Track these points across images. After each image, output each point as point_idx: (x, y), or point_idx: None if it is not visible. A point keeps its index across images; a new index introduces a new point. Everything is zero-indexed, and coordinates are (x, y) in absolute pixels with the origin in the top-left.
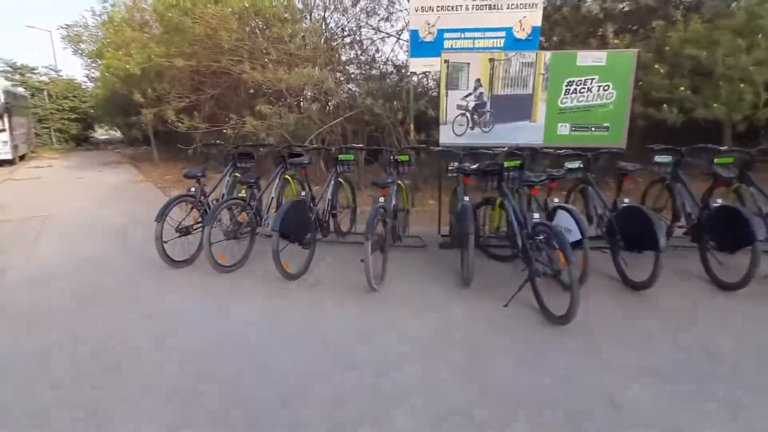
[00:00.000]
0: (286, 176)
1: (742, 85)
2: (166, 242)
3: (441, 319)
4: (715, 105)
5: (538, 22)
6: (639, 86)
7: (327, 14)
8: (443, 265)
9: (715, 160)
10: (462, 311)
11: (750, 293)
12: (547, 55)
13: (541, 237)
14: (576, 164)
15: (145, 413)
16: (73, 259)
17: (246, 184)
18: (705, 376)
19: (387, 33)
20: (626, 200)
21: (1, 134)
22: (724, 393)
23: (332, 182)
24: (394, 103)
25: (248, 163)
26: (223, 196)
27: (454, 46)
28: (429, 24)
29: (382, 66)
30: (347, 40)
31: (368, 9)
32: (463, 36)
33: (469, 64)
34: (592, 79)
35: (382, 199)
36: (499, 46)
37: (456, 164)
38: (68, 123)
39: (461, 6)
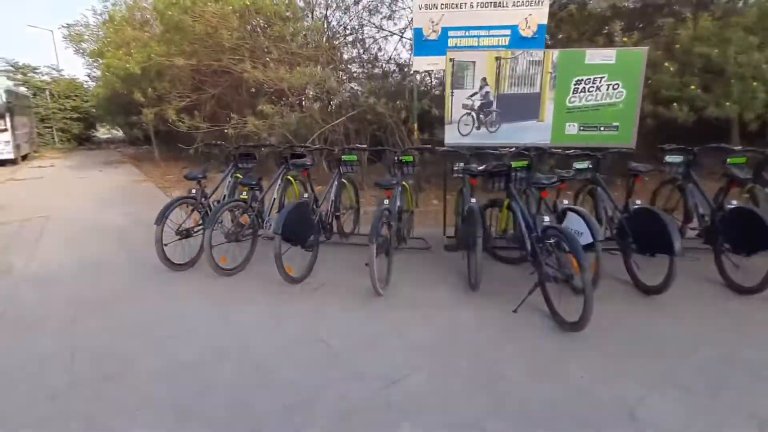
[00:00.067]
0: (289, 177)
1: (755, 83)
2: (166, 245)
3: (449, 324)
4: (727, 104)
5: (544, 20)
6: (648, 84)
7: (329, 12)
8: (449, 268)
9: (728, 160)
10: (470, 316)
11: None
12: (555, 53)
13: (551, 241)
14: (585, 164)
15: (144, 426)
16: (74, 261)
17: (248, 185)
18: (726, 385)
19: (390, 31)
20: (638, 202)
21: (4, 134)
22: (748, 404)
23: (335, 183)
24: (397, 102)
25: (250, 163)
26: (224, 198)
27: (458, 45)
28: (433, 22)
29: (384, 65)
30: (349, 38)
31: (371, 7)
32: (467, 34)
33: (474, 62)
34: (601, 78)
35: (386, 201)
36: (504, 44)
37: (462, 165)
38: (70, 122)
39: (466, 3)
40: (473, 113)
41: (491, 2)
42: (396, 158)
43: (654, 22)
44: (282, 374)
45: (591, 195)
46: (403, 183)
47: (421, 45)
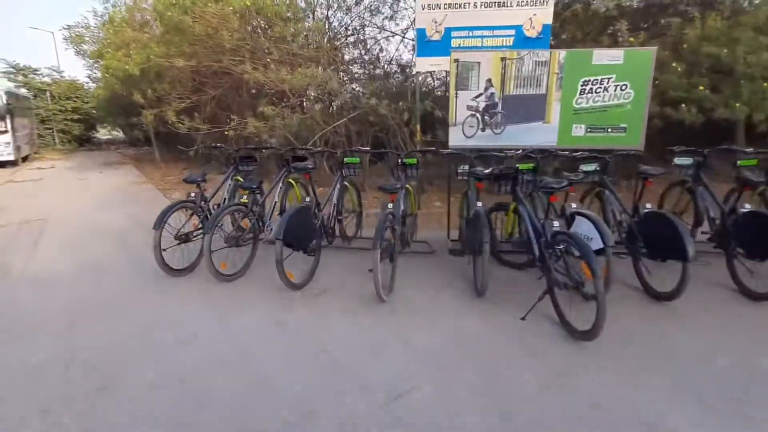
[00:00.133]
0: (290, 180)
1: (765, 84)
2: (164, 250)
3: (455, 332)
4: (737, 105)
5: (549, 20)
6: (655, 85)
7: (330, 13)
8: (454, 273)
9: (738, 162)
10: (477, 324)
11: None
12: (561, 53)
13: (561, 246)
14: (593, 167)
15: None
16: (71, 266)
17: (248, 189)
18: (747, 398)
19: (392, 32)
20: (648, 205)
21: (4, 135)
22: None
23: (338, 186)
24: (400, 103)
25: (250, 166)
26: (224, 201)
27: (461, 45)
28: (436, 22)
29: (386, 65)
30: (351, 39)
31: (372, 7)
32: (471, 34)
33: (479, 63)
34: (609, 78)
35: (390, 205)
36: (508, 44)
37: (466, 167)
38: (71, 124)
39: (469, 3)
40: (478, 115)
41: (495, 2)
42: (399, 161)
43: (658, 21)
44: (283, 386)
45: (598, 198)
46: (407, 186)
47: (424, 45)
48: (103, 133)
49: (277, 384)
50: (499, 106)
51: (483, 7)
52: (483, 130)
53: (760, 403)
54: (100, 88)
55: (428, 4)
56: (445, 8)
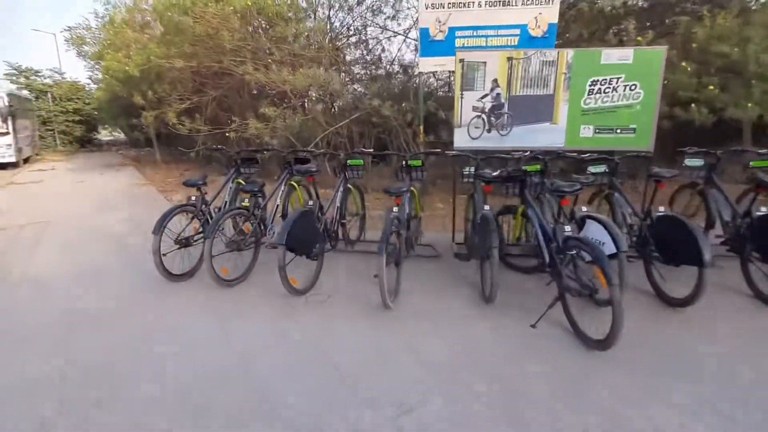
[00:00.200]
0: (292, 182)
1: None
2: (164, 255)
3: (464, 340)
4: (749, 105)
5: (555, 19)
6: (664, 85)
7: (332, 13)
8: (460, 278)
9: (751, 163)
10: (486, 332)
11: None
12: (569, 53)
13: (573, 252)
14: (601, 169)
15: None
16: (70, 271)
17: (250, 192)
18: None
19: (394, 31)
20: (661, 208)
21: (5, 137)
22: None
23: (341, 189)
24: (403, 104)
25: (252, 168)
26: (225, 205)
27: (465, 45)
28: (440, 22)
29: (388, 66)
30: (352, 39)
31: (374, 7)
32: (475, 34)
33: (485, 63)
34: (618, 78)
35: (396, 209)
36: (513, 44)
37: (471, 169)
38: (72, 125)
39: (474, 3)
40: (484, 116)
41: (500, 1)
42: (404, 162)
43: (664, 20)
44: (286, 399)
45: (607, 200)
46: (411, 188)
47: (428, 45)
48: (104, 135)
49: (279, 397)
50: (506, 106)
51: (488, 6)
52: (489, 131)
53: None
54: (101, 90)
55: (432, 4)
56: (449, 7)
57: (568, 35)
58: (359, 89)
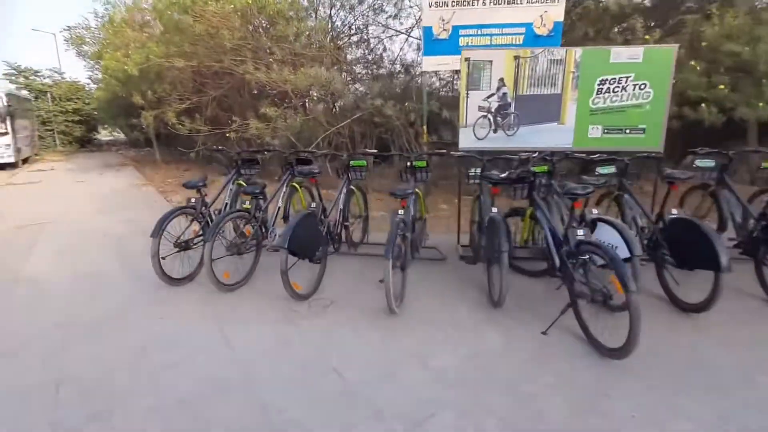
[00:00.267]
0: (294, 184)
1: None
2: (163, 258)
3: (473, 348)
4: (760, 104)
5: (561, 17)
6: (673, 84)
7: (333, 11)
8: (467, 282)
9: (763, 164)
10: (496, 339)
11: None
12: (578, 51)
13: (586, 257)
14: (611, 170)
15: None
16: (67, 275)
17: (251, 194)
18: None
19: (396, 30)
20: (674, 211)
21: (4, 137)
22: None
23: (344, 191)
24: (406, 104)
25: (253, 169)
26: (226, 207)
27: (470, 44)
28: (443, 20)
29: (390, 65)
30: (354, 38)
31: (376, 6)
32: (479, 33)
33: (491, 62)
34: (627, 77)
35: (401, 212)
36: (518, 43)
37: (477, 171)
38: (72, 125)
39: (478, 0)
40: (490, 116)
41: None
42: (409, 163)
43: (668, 19)
44: (289, 413)
45: (616, 202)
46: (416, 190)
47: (431, 44)
48: (104, 135)
49: (282, 412)
50: (512, 106)
51: (492, 4)
52: (495, 131)
53: None
54: (101, 90)
55: (436, 2)
56: (453, 6)
57: (573, 33)
58: (361, 89)
